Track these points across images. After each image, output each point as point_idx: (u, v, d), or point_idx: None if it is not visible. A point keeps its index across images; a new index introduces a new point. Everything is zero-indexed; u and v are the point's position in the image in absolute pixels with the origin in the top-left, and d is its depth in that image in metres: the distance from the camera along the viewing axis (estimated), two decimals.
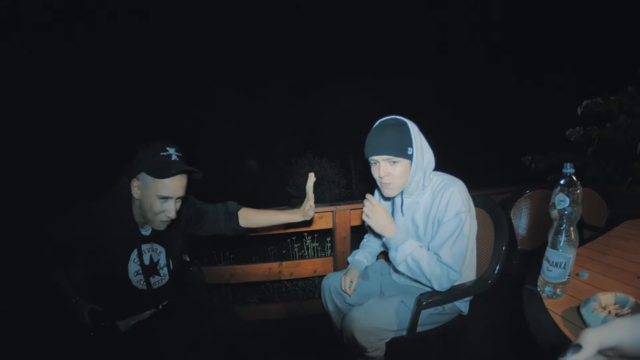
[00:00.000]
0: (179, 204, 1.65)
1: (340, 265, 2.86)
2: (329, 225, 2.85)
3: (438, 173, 1.83)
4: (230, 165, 8.66)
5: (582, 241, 1.77)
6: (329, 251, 3.45)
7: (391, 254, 1.73)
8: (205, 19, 10.45)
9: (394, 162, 1.67)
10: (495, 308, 2.12)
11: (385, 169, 1.68)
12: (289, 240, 3.50)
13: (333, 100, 9.40)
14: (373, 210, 1.72)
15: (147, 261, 1.74)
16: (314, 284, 3.44)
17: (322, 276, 2.95)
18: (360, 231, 2.56)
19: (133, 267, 1.71)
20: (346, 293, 1.99)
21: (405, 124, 1.69)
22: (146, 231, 1.75)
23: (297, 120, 9.75)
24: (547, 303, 1.21)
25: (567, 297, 1.24)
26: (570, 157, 3.81)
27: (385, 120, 1.74)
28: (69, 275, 1.72)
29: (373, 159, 1.70)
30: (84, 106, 8.12)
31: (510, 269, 2.24)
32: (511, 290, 1.85)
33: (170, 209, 1.59)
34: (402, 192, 1.80)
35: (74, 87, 7.91)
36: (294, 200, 6.16)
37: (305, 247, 3.57)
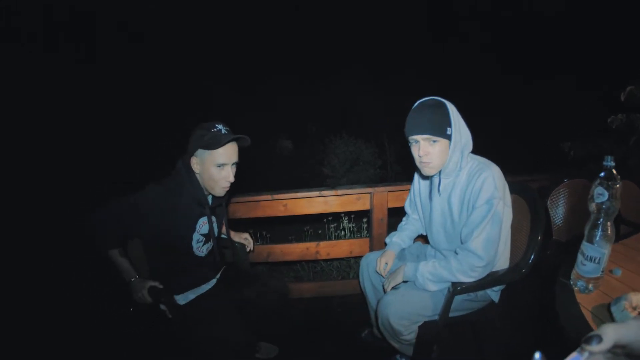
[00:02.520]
0: (234, 169, 1.85)
1: (377, 246, 2.91)
2: (366, 207, 2.90)
3: (475, 156, 1.86)
4: (266, 145, 8.74)
5: (619, 237, 1.75)
6: (365, 232, 3.49)
7: (417, 284, 1.87)
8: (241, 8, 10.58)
9: (434, 141, 1.71)
10: (527, 298, 2.14)
11: (425, 148, 1.73)
12: (325, 220, 3.55)
13: (369, 82, 9.45)
14: (390, 280, 1.96)
15: (210, 228, 1.98)
16: (349, 264, 3.50)
17: (358, 257, 3.04)
18: (398, 214, 2.60)
19: (196, 236, 1.94)
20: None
21: (444, 105, 1.73)
22: (209, 199, 1.98)
23: (332, 101, 9.81)
24: (579, 297, 1.24)
25: (598, 292, 1.27)
26: (611, 145, 3.71)
27: (425, 100, 1.77)
28: (127, 252, 1.90)
29: (413, 138, 1.75)
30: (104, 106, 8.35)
31: (543, 259, 2.25)
32: (543, 280, 1.88)
33: (228, 174, 1.81)
34: (440, 172, 1.84)
35: (77, 86, 8.06)
36: (329, 180, 6.21)
37: (341, 228, 3.62)
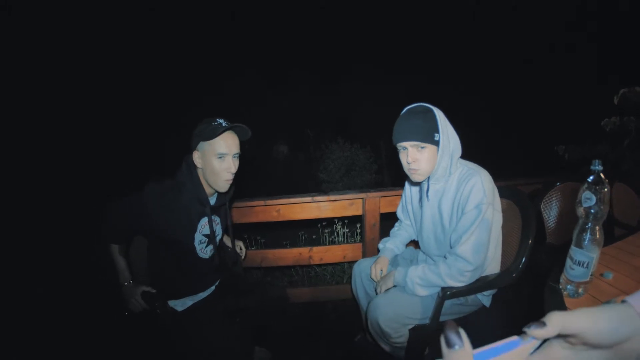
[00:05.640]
0: (236, 162, 1.85)
1: (369, 251, 2.91)
2: (359, 212, 2.89)
3: (464, 162, 1.86)
4: (261, 149, 8.74)
5: (612, 239, 1.73)
6: (359, 237, 3.48)
7: (407, 289, 1.87)
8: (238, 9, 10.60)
9: (422, 147, 1.71)
10: (519, 302, 2.13)
11: (413, 154, 1.73)
12: (319, 225, 3.54)
13: (365, 87, 9.49)
14: (381, 284, 1.97)
15: (211, 229, 1.95)
16: (342, 269, 3.49)
17: (351, 262, 3.03)
18: (390, 218, 2.59)
19: (198, 236, 1.92)
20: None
21: (431, 111, 1.73)
22: (212, 199, 1.96)
23: (329, 106, 9.85)
24: (568, 302, 1.22)
25: (588, 296, 1.24)
26: (606, 148, 3.70)
27: (412, 107, 1.78)
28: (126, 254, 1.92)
29: (401, 145, 1.75)
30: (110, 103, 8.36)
31: (536, 263, 2.23)
32: (535, 285, 1.85)
33: (229, 166, 1.80)
34: (428, 178, 1.84)
35: (78, 85, 8.05)
36: (325, 185, 6.21)
37: (335, 233, 3.61)
